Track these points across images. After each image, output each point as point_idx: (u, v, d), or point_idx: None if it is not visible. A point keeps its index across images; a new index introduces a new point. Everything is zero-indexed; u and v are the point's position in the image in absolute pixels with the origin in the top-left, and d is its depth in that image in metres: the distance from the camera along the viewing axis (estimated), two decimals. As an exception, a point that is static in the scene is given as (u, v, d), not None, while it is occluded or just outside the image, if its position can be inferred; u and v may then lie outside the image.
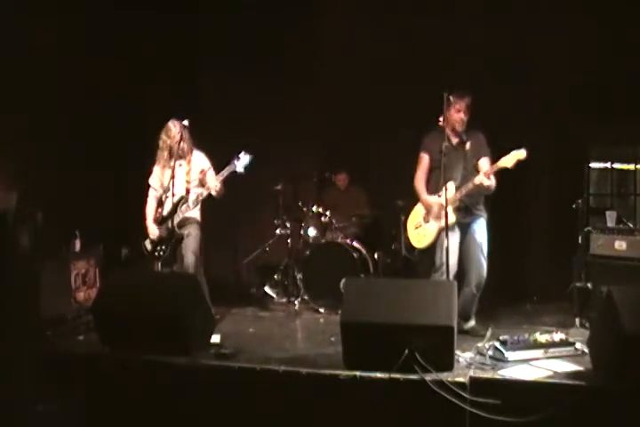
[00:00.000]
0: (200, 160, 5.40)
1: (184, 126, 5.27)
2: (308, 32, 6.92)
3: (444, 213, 4.77)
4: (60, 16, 5.88)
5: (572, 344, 4.21)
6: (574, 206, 5.38)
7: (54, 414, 4.12)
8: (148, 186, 5.50)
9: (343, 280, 5.28)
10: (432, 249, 5.00)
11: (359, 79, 6.78)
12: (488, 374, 3.81)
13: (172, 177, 5.18)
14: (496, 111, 5.78)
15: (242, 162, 5.11)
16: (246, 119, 7.01)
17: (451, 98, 4.83)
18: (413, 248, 5.33)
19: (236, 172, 5.14)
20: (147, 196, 5.50)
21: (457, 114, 4.90)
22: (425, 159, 5.13)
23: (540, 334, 4.26)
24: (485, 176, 4.77)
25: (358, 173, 7.00)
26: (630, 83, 6.09)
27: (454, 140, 4.98)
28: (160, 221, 5.36)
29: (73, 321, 5.27)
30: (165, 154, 5.29)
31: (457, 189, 4.85)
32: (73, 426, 4.14)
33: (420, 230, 5.07)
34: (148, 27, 6.44)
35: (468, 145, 4.97)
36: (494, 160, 4.80)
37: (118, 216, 6.28)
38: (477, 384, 3.68)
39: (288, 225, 6.57)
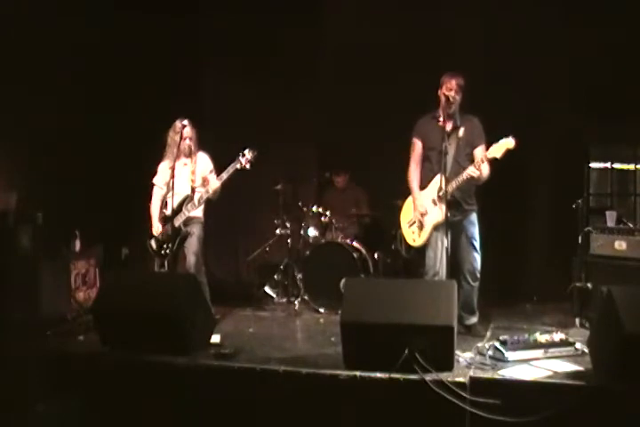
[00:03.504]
0: (204, 162, 5.41)
1: (190, 125, 5.29)
2: (308, 32, 6.92)
3: (436, 210, 4.78)
4: (60, 16, 5.88)
5: (572, 344, 4.21)
6: (574, 206, 5.38)
7: (54, 414, 4.12)
8: (152, 185, 5.50)
9: (343, 280, 5.28)
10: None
11: (359, 79, 6.77)
12: (488, 374, 3.81)
13: (172, 176, 5.19)
14: (496, 111, 5.78)
15: (246, 158, 5.14)
16: (246, 119, 7.01)
17: (443, 78, 4.81)
18: (410, 247, 5.32)
19: (241, 168, 5.15)
20: (149, 195, 5.50)
21: (448, 92, 4.76)
22: (417, 146, 5.03)
23: (540, 334, 4.26)
24: (475, 168, 4.66)
25: (358, 173, 7.00)
26: (630, 83, 6.09)
27: (447, 125, 4.81)
28: (165, 219, 5.36)
29: (73, 321, 5.28)
30: (174, 151, 5.29)
31: (447, 183, 4.68)
32: (73, 426, 4.14)
33: (413, 228, 5.03)
34: (148, 27, 6.44)
35: (461, 131, 4.81)
36: (488, 148, 4.69)
37: (118, 216, 6.28)
38: (477, 384, 3.68)
39: (288, 225, 6.57)
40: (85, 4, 6.05)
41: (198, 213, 5.36)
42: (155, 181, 5.49)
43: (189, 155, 5.37)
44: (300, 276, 6.27)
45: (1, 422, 4.10)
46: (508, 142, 4.55)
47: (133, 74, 6.49)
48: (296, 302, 6.13)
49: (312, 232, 6.50)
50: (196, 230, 5.32)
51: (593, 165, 6.93)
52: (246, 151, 5.16)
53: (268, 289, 6.66)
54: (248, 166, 5.15)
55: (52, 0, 5.82)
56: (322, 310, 5.98)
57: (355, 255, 6.05)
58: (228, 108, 7.16)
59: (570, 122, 6.33)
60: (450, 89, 4.80)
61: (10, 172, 5.55)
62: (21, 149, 5.61)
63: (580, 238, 5.32)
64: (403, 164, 5.10)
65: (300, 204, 6.57)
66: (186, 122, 5.28)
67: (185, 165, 5.37)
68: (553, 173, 6.61)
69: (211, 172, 5.38)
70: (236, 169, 5.16)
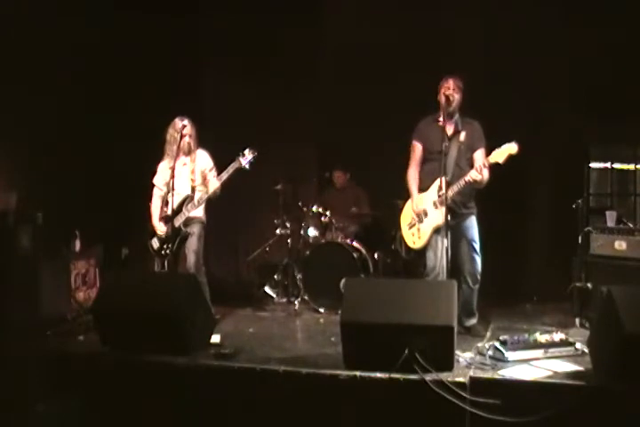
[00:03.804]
0: (204, 159, 5.40)
1: (190, 123, 5.29)
2: (308, 32, 6.92)
3: (436, 213, 4.78)
4: (60, 16, 5.88)
5: (572, 344, 4.21)
6: (574, 206, 5.38)
7: (54, 414, 4.12)
8: (153, 186, 5.49)
9: (343, 280, 5.28)
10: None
11: (359, 79, 6.78)
12: (488, 374, 3.81)
13: (172, 177, 5.17)
14: (496, 111, 5.78)
15: (246, 158, 5.12)
16: (246, 119, 7.02)
17: (441, 80, 4.82)
18: (410, 249, 5.32)
19: (240, 168, 5.14)
20: (148, 195, 5.49)
21: (447, 91, 4.77)
22: (418, 149, 5.02)
23: (540, 334, 4.26)
24: (477, 171, 4.65)
25: (358, 173, 7.00)
26: (630, 83, 6.09)
27: (449, 130, 4.82)
28: (166, 219, 5.33)
29: (73, 321, 5.28)
30: (174, 148, 5.27)
31: (449, 186, 4.68)
32: (73, 426, 4.14)
33: (413, 230, 5.03)
34: (148, 27, 6.44)
35: (462, 136, 4.81)
36: (489, 153, 4.69)
37: (118, 216, 6.28)
38: (477, 384, 3.68)
39: (288, 225, 6.57)
40: (85, 3, 6.05)
41: (199, 212, 5.35)
42: (155, 181, 5.49)
43: (189, 152, 5.36)
44: (299, 276, 6.27)
45: (1, 422, 4.10)
46: (510, 148, 4.54)
47: (133, 74, 6.49)
48: (296, 302, 6.13)
49: (312, 232, 6.50)
50: (196, 230, 5.31)
51: (593, 165, 6.93)
52: (246, 151, 5.15)
53: (267, 289, 6.66)
54: (247, 167, 5.15)
55: (52, 0, 5.81)
56: (322, 310, 5.98)
57: (355, 255, 6.05)
58: (228, 108, 7.17)
59: (570, 122, 6.33)
60: (448, 88, 4.81)
61: (10, 172, 5.54)
62: (21, 149, 5.60)
63: (580, 238, 5.32)
64: (403, 164, 5.10)
65: (300, 204, 6.57)
66: (186, 121, 5.28)
67: (184, 164, 5.36)
68: (553, 173, 6.61)
69: (211, 169, 5.36)
70: (236, 169, 5.16)
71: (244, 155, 5.13)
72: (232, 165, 5.16)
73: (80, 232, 5.84)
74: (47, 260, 5.38)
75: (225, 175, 5.17)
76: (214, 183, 5.21)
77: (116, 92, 6.35)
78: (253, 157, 5.13)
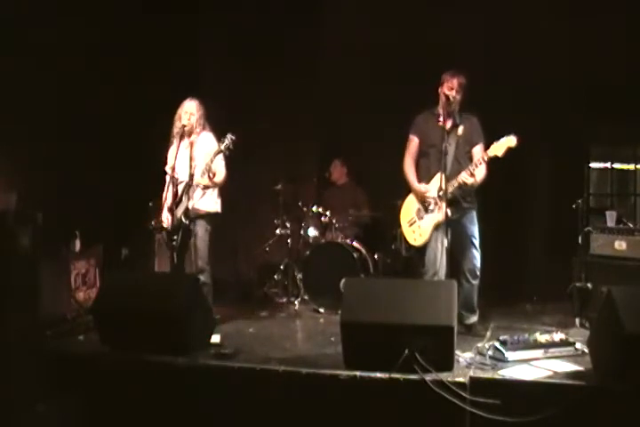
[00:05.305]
0: (207, 142, 5.28)
1: (197, 103, 5.26)
2: (309, 32, 6.93)
3: (436, 208, 4.78)
4: (60, 16, 5.87)
5: (572, 344, 4.21)
6: (574, 206, 5.38)
7: (54, 414, 4.12)
8: (165, 173, 5.39)
9: (343, 280, 5.28)
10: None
11: (360, 79, 6.78)
12: (488, 374, 3.81)
13: (173, 167, 5.12)
14: (495, 111, 5.78)
15: (225, 142, 5.04)
16: (246, 119, 7.01)
17: (444, 76, 4.82)
18: (410, 246, 5.32)
19: (220, 152, 5.07)
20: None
21: (449, 91, 4.78)
22: (414, 142, 5.02)
23: (540, 334, 4.26)
24: (470, 170, 4.67)
25: (358, 173, 7.00)
26: (630, 83, 6.09)
27: (447, 124, 4.82)
28: (170, 210, 5.22)
29: (73, 321, 5.27)
30: (178, 131, 5.21)
31: (447, 181, 4.68)
32: (73, 426, 4.14)
33: (414, 227, 5.03)
34: (148, 27, 6.44)
35: (460, 129, 4.81)
36: (487, 148, 4.70)
37: (118, 216, 6.27)
38: (477, 384, 3.68)
39: (288, 225, 6.58)
40: (86, 3, 6.04)
41: (205, 205, 5.24)
42: (167, 168, 5.37)
43: (190, 134, 5.26)
44: (299, 276, 6.27)
45: (1, 422, 4.10)
46: (509, 140, 4.55)
47: (133, 73, 6.48)
48: (296, 302, 6.13)
49: (312, 232, 6.50)
50: (200, 227, 5.22)
51: (593, 165, 6.94)
52: (228, 135, 5.05)
53: (267, 289, 6.66)
54: (227, 152, 5.05)
55: (52, 0, 5.81)
56: (322, 310, 5.98)
57: (355, 255, 6.05)
58: (228, 108, 7.16)
59: (570, 122, 6.34)
60: (451, 88, 4.80)
61: (10, 172, 5.54)
62: (21, 149, 5.60)
63: (580, 238, 5.33)
64: (402, 163, 5.10)
65: (300, 204, 6.57)
66: (193, 101, 5.25)
67: (186, 148, 5.26)
68: (553, 173, 6.61)
69: (216, 153, 5.20)
70: (216, 153, 5.07)
71: (223, 140, 5.05)
72: (214, 152, 5.10)
73: (80, 232, 5.83)
74: (47, 260, 5.38)
75: (208, 162, 5.09)
76: (201, 180, 5.11)
77: (116, 92, 6.34)
78: (231, 142, 5.02)
